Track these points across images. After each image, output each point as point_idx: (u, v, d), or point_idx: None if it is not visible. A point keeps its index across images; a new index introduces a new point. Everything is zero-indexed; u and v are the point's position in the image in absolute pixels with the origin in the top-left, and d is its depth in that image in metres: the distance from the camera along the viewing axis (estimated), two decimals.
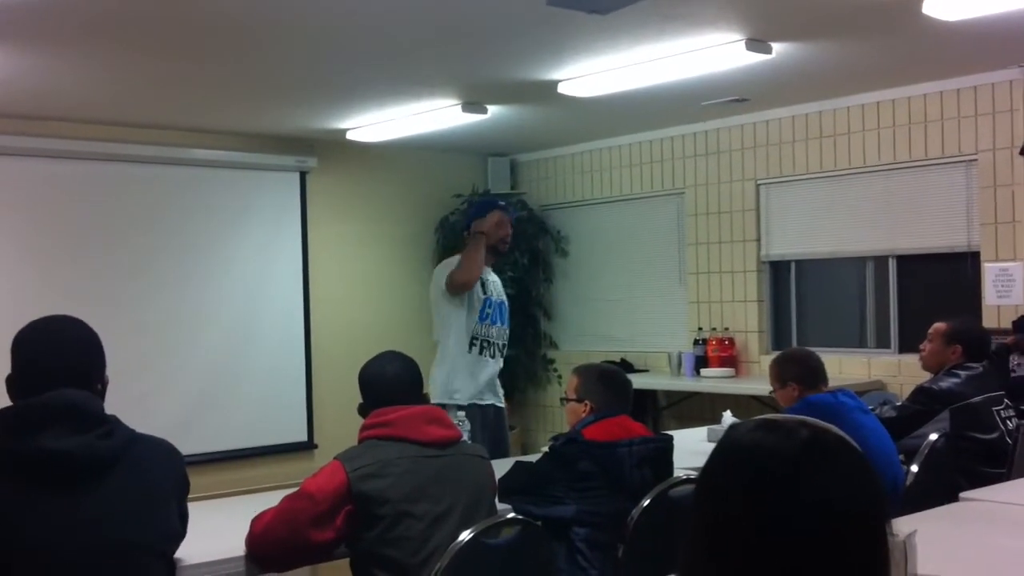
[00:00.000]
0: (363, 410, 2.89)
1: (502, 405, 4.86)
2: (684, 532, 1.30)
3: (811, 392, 3.75)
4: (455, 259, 4.74)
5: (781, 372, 3.85)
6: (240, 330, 7.14)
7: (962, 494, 3.18)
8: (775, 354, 6.69)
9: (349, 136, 7.11)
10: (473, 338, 4.67)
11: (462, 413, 4.21)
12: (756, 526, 1.21)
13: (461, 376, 4.63)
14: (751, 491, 1.23)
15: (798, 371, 3.82)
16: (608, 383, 3.33)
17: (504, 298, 4.88)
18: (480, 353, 4.69)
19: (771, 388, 3.97)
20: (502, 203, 4.91)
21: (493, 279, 4.85)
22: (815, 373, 3.82)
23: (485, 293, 4.72)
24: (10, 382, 2.18)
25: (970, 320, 4.60)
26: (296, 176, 7.50)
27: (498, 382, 4.84)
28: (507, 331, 4.85)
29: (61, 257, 6.46)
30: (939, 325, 4.46)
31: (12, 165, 6.31)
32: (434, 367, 4.67)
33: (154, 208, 6.84)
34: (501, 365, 4.85)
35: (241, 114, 6.50)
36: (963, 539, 2.75)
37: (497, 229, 4.71)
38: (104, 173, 6.64)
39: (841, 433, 1.29)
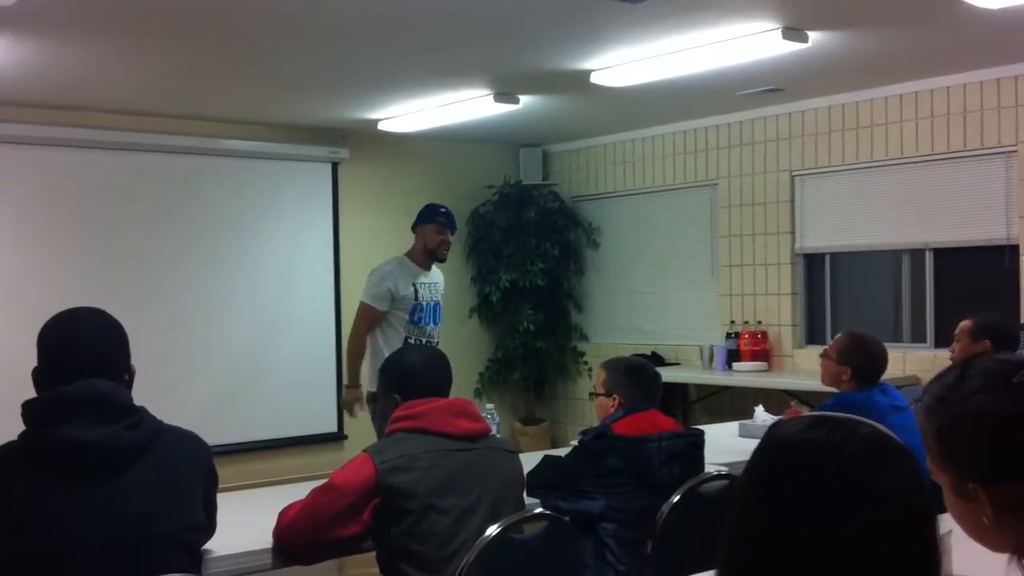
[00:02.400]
0: (386, 409, 2.87)
1: None
2: (722, 531, 1.28)
3: (856, 386, 3.71)
4: (383, 269, 5.20)
5: (847, 353, 3.80)
6: (271, 320, 7.17)
7: None
8: (809, 347, 6.72)
9: (381, 127, 7.11)
10: (407, 338, 5.08)
11: (491, 406, 4.18)
12: (812, 524, 1.20)
13: None
14: (818, 490, 1.21)
15: (861, 362, 3.77)
16: (637, 377, 3.30)
17: (438, 299, 5.28)
18: None
19: (824, 350, 3.95)
20: (443, 209, 5.28)
21: (431, 281, 5.25)
22: (873, 375, 3.79)
23: (417, 299, 5.12)
24: (37, 374, 2.18)
25: (995, 314, 4.52)
26: (328, 167, 7.51)
27: None
28: (439, 330, 5.28)
29: (90, 247, 6.51)
30: (964, 323, 4.40)
31: (45, 155, 6.36)
32: (367, 360, 5.16)
33: (186, 198, 6.87)
34: None
35: (273, 105, 6.50)
36: None
37: (435, 237, 5.18)
38: (137, 163, 6.68)
39: (888, 432, 1.29)
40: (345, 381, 5.42)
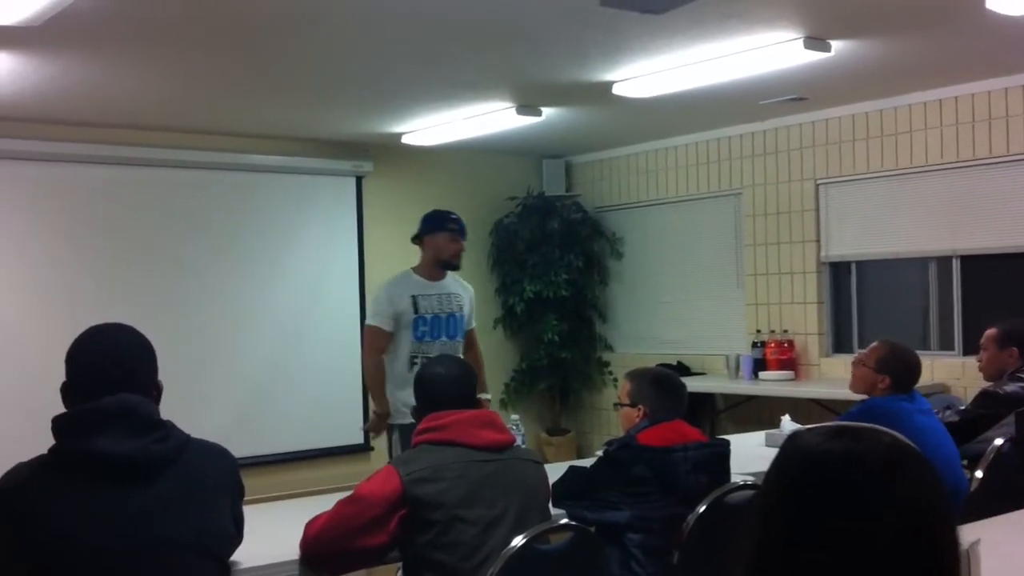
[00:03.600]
0: (416, 413, 2.89)
1: None
2: (744, 541, 1.29)
3: (893, 393, 3.72)
4: (379, 286, 4.92)
5: (887, 362, 3.81)
6: (296, 332, 7.21)
7: None
8: (836, 356, 6.69)
9: (404, 140, 7.14)
10: (412, 356, 4.75)
11: (516, 417, 4.19)
12: (838, 533, 1.21)
13: (404, 393, 4.51)
14: (837, 498, 1.22)
15: (900, 371, 3.79)
16: (661, 387, 3.29)
17: (454, 311, 4.87)
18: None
19: (857, 355, 3.98)
20: (454, 216, 4.94)
21: (441, 292, 4.86)
22: (910, 383, 3.80)
23: (417, 312, 4.76)
24: (65, 389, 2.21)
25: (1020, 320, 4.49)
26: (352, 180, 7.55)
27: None
28: (457, 343, 4.88)
29: (119, 262, 6.57)
30: (990, 331, 4.38)
31: (71, 171, 6.44)
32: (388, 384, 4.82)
33: (212, 213, 6.93)
34: None
35: (298, 119, 6.55)
36: None
37: (449, 246, 4.84)
38: (162, 179, 6.75)
39: (906, 440, 1.29)
40: (374, 401, 4.99)
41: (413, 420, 4.33)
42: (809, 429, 1.34)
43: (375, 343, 4.80)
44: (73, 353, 2.23)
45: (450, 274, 4.94)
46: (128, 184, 6.63)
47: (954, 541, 1.25)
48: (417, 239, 4.96)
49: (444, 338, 4.83)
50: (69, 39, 4.45)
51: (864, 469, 1.23)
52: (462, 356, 4.82)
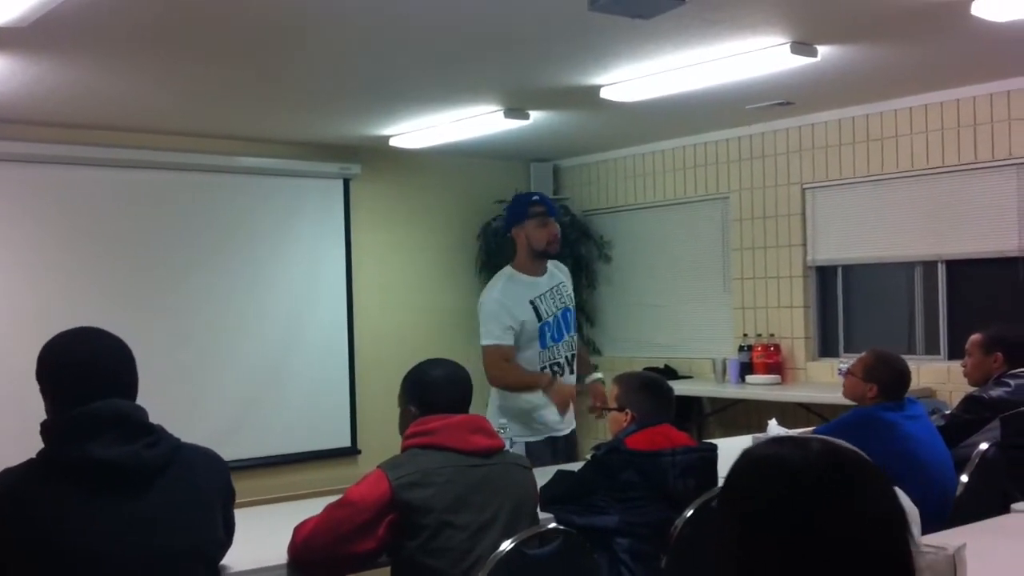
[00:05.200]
0: (403, 419, 2.88)
1: (573, 426, 4.55)
2: (716, 545, 1.34)
3: (882, 401, 3.75)
4: (490, 300, 4.32)
5: (873, 371, 3.82)
6: (284, 336, 7.20)
7: (1014, 505, 3.12)
8: (823, 360, 6.72)
9: (392, 143, 7.15)
10: (542, 368, 4.33)
11: (504, 421, 4.18)
12: (779, 537, 1.24)
13: (537, 410, 4.33)
14: (774, 502, 1.26)
15: (887, 379, 3.79)
16: (649, 391, 3.31)
17: (566, 302, 4.42)
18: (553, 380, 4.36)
19: (848, 365, 3.98)
20: (536, 196, 4.44)
21: (550, 287, 4.40)
22: (899, 391, 3.80)
23: (540, 319, 4.30)
24: (48, 394, 2.20)
25: (1004, 326, 4.52)
26: (340, 183, 7.55)
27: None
28: (573, 337, 4.46)
29: (107, 264, 6.55)
30: (975, 337, 4.41)
31: (60, 173, 6.41)
32: (494, 398, 4.37)
33: (198, 216, 6.92)
34: (573, 379, 4.51)
35: (285, 122, 6.55)
36: (1015, 553, 2.69)
37: (540, 233, 4.31)
38: (149, 181, 6.73)
39: (854, 448, 1.32)
40: (538, 388, 4.32)
41: (542, 439, 4.32)
42: (762, 441, 1.39)
43: (498, 360, 4.24)
44: (54, 358, 2.22)
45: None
46: (115, 186, 6.61)
47: (904, 552, 1.26)
48: (506, 233, 4.50)
49: (565, 336, 4.40)
50: (57, 40, 4.44)
51: (795, 473, 1.27)
52: (573, 352, 4.46)
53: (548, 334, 4.32)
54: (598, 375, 4.61)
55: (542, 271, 4.40)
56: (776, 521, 1.24)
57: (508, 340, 4.24)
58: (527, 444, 4.30)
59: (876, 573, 1.24)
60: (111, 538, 2.04)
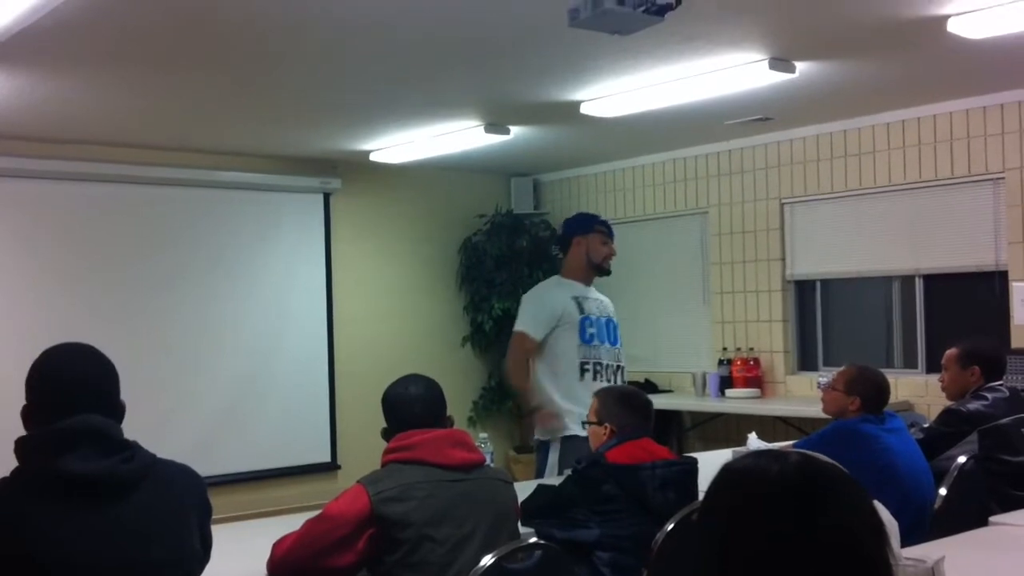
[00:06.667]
0: (387, 434, 2.87)
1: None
2: (694, 559, 1.35)
3: (863, 414, 3.76)
4: (537, 289, 4.57)
5: (855, 384, 3.83)
6: (263, 350, 7.17)
7: (992, 518, 3.14)
8: (801, 374, 6.74)
9: (372, 157, 7.14)
10: (583, 363, 4.39)
11: (485, 435, 4.17)
12: (758, 549, 1.25)
13: (570, 404, 4.34)
14: (745, 512, 1.28)
15: (869, 393, 3.81)
16: (627, 405, 3.31)
17: (610, 315, 4.56)
18: (594, 379, 4.38)
19: (829, 380, 3.97)
20: (602, 218, 4.74)
21: (595, 297, 4.58)
22: (880, 404, 3.83)
23: (583, 312, 4.41)
24: (28, 410, 2.19)
25: (981, 340, 4.55)
26: (320, 197, 7.53)
27: None
28: (619, 350, 4.54)
29: (86, 278, 6.51)
30: (951, 352, 4.42)
31: (38, 188, 6.38)
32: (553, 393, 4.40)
33: (180, 230, 6.89)
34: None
35: (266, 136, 6.54)
36: (993, 565, 2.70)
37: (601, 249, 4.55)
38: (129, 195, 6.70)
39: (832, 462, 1.33)
40: (527, 409, 4.56)
41: (579, 433, 4.19)
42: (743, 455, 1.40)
43: (519, 348, 4.37)
44: (38, 374, 2.21)
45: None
46: (94, 200, 6.57)
47: (884, 564, 1.26)
48: (562, 244, 4.68)
49: (608, 344, 4.47)
50: (36, 55, 4.41)
51: (766, 485, 1.28)
52: (622, 365, 4.53)
53: (589, 330, 4.40)
54: None
55: (589, 282, 4.59)
56: (755, 533, 1.25)
57: (534, 333, 4.37)
58: (564, 440, 4.34)
59: None
60: (87, 552, 2.02)
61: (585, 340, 4.40)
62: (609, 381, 4.45)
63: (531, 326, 4.39)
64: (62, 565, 2.01)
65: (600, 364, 4.43)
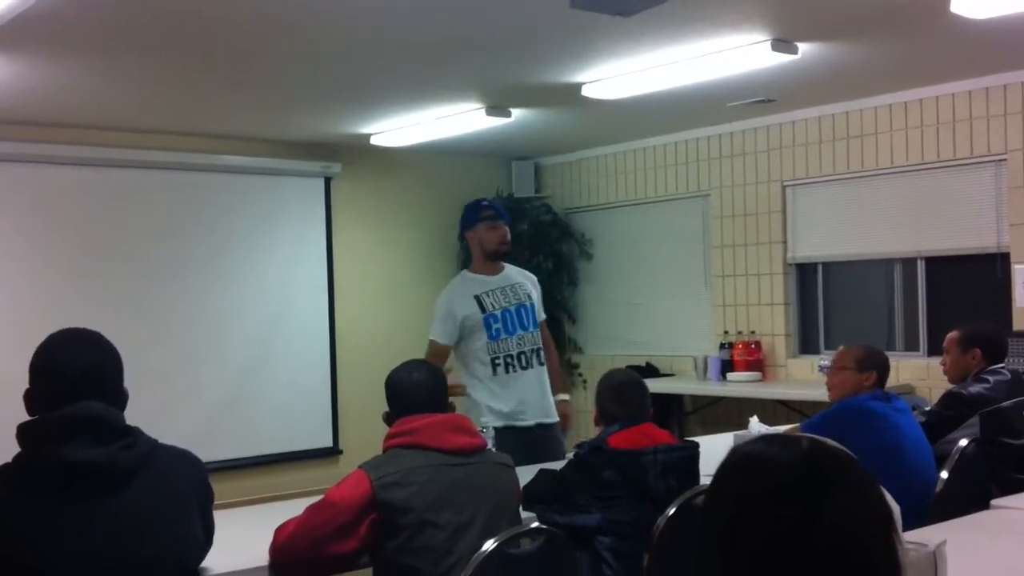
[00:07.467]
0: (389, 418, 2.88)
1: (551, 421, 4.56)
2: (698, 542, 1.33)
3: (877, 389, 3.78)
4: (441, 295, 4.62)
5: (867, 360, 3.84)
6: (265, 335, 7.17)
7: (993, 501, 3.13)
8: (803, 357, 6.74)
9: (373, 141, 7.12)
10: (494, 359, 4.46)
11: (486, 420, 4.17)
12: (765, 535, 1.23)
13: (490, 400, 4.43)
14: (753, 499, 1.26)
15: (881, 365, 3.84)
16: (618, 399, 3.25)
17: (522, 300, 4.57)
18: (507, 371, 4.45)
19: (840, 361, 3.95)
20: (485, 202, 4.76)
21: (502, 285, 4.58)
22: (885, 381, 3.86)
23: (485, 310, 4.48)
24: (30, 396, 2.19)
25: (981, 322, 4.54)
26: (321, 181, 7.52)
27: (545, 394, 4.56)
28: (531, 333, 4.56)
29: (86, 264, 6.50)
30: (952, 335, 4.41)
31: (38, 172, 6.36)
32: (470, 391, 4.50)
33: (179, 214, 6.87)
34: (542, 371, 4.58)
35: (266, 120, 6.51)
36: (995, 549, 2.70)
37: (490, 236, 4.57)
38: (129, 180, 6.68)
39: (843, 448, 1.32)
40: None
41: (506, 424, 4.33)
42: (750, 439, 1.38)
43: (433, 355, 4.41)
44: (40, 360, 2.21)
45: (508, 265, 4.68)
46: (93, 185, 6.56)
47: (893, 550, 1.26)
48: (461, 239, 4.69)
49: (520, 331, 4.53)
50: (33, 39, 4.39)
51: (779, 471, 1.26)
52: (541, 347, 4.61)
53: (494, 326, 4.48)
54: (564, 396, 4.77)
55: (496, 272, 4.61)
56: (763, 519, 1.24)
57: (443, 339, 4.50)
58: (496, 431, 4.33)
59: (865, 571, 1.23)
60: (86, 552, 2.02)
61: (492, 337, 4.47)
62: (526, 368, 4.49)
63: (440, 333, 4.51)
64: (58, 567, 2.00)
65: (511, 356, 4.49)
